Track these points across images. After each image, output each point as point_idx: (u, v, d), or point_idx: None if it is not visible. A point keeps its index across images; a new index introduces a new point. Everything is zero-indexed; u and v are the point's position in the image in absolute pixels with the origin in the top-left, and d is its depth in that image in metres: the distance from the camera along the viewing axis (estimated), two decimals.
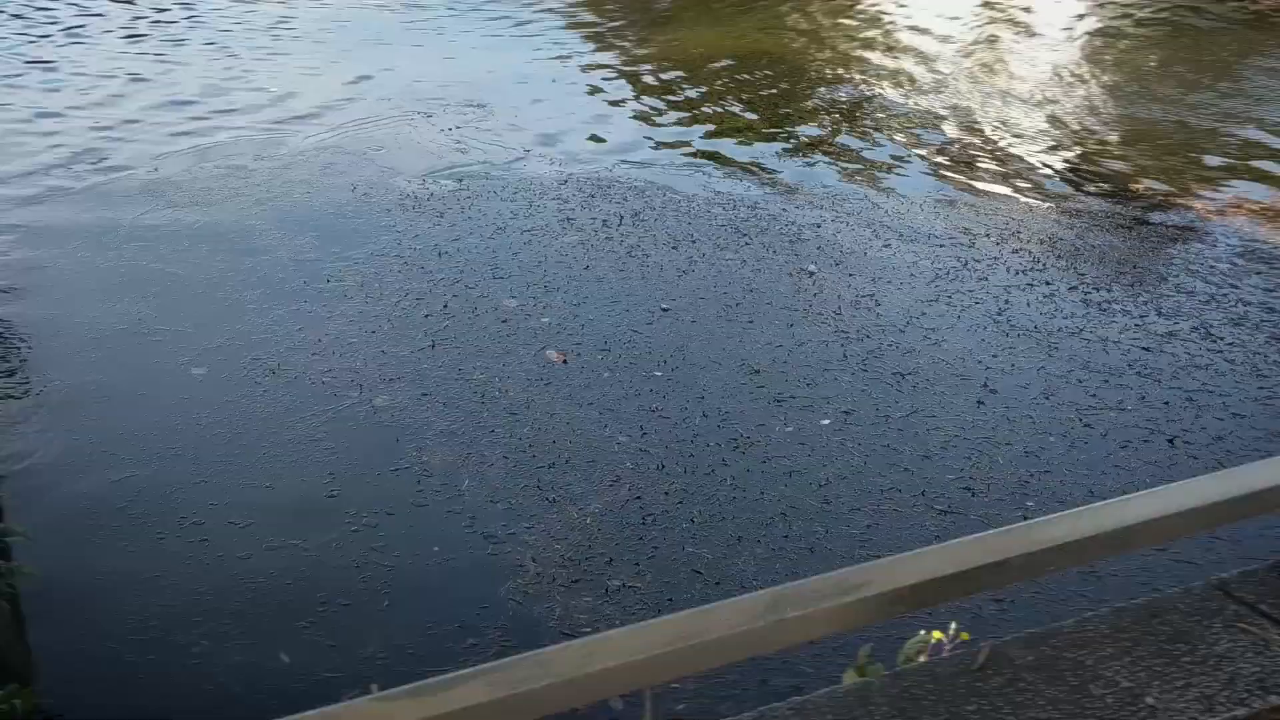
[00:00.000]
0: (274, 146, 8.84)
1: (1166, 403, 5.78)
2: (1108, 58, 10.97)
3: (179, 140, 8.97)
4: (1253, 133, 9.16)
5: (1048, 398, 5.84)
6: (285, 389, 5.82)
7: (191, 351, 6.11)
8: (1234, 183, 8.29)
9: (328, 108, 9.65)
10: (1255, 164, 8.64)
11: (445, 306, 6.62)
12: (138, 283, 6.84)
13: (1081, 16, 12.40)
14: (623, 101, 9.97)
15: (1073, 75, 10.52)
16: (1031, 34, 11.81)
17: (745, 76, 10.46)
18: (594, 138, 9.10)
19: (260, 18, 12.23)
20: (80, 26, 11.79)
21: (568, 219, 7.67)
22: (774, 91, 10.13)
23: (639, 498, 5.04)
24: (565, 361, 6.11)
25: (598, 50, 11.47)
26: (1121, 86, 10.18)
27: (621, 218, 7.69)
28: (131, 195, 7.99)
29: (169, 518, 4.85)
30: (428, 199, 7.95)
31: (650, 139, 9.11)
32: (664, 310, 6.61)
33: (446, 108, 9.63)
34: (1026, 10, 12.61)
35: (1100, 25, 12.04)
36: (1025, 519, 3.00)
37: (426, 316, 6.51)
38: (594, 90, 10.27)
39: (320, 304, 6.63)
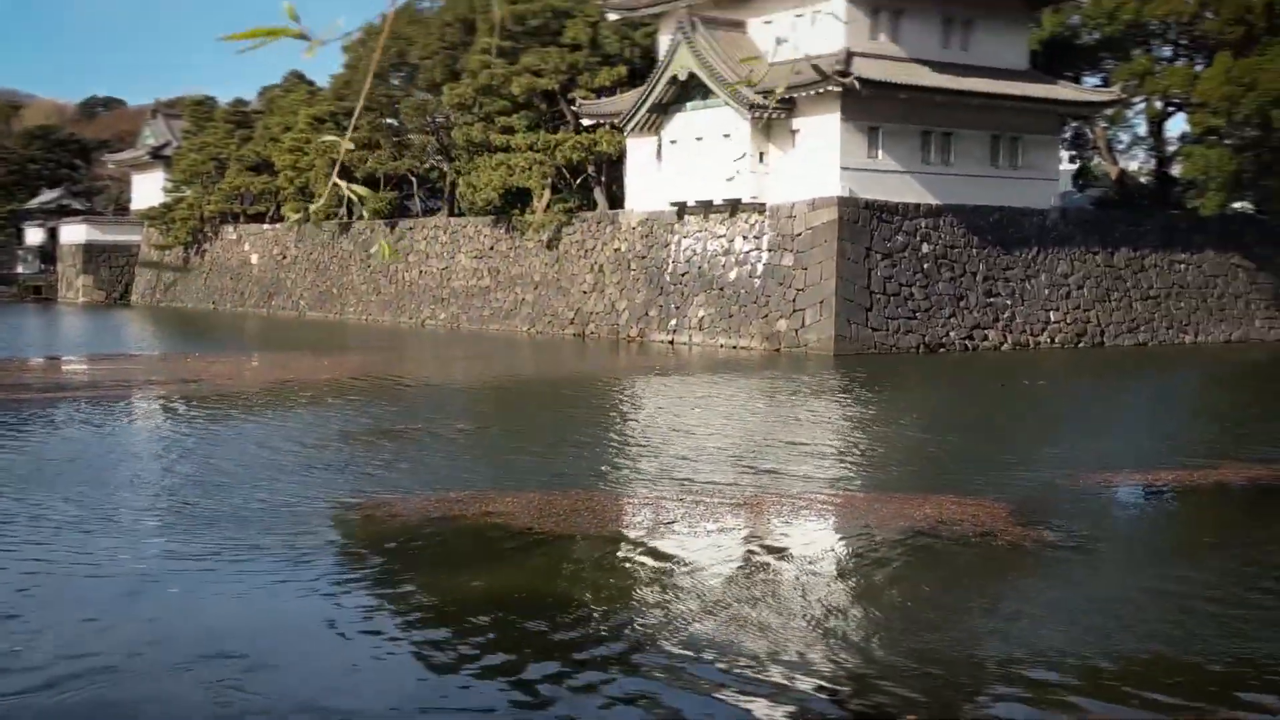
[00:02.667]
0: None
1: None
2: (880, 590, 11.23)
3: None
4: (1023, 665, 9.31)
5: None
6: None
7: None
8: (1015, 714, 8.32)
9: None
10: (1054, 694, 8.70)
11: None
12: None
13: (840, 549, 12.79)
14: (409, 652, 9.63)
15: (843, 610, 10.67)
16: (796, 566, 12.07)
17: (517, 618, 10.31)
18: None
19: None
20: None
21: None
22: (549, 631, 9.98)
23: None
24: None
25: (369, 594, 11.25)
26: (892, 618, 10.35)
27: None
28: None
29: None
30: None
31: (425, 690, 8.71)
32: None
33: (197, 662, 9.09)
34: (787, 540, 13.03)
35: (862, 552, 12.43)
36: None
37: None
38: (365, 637, 9.94)
39: None
